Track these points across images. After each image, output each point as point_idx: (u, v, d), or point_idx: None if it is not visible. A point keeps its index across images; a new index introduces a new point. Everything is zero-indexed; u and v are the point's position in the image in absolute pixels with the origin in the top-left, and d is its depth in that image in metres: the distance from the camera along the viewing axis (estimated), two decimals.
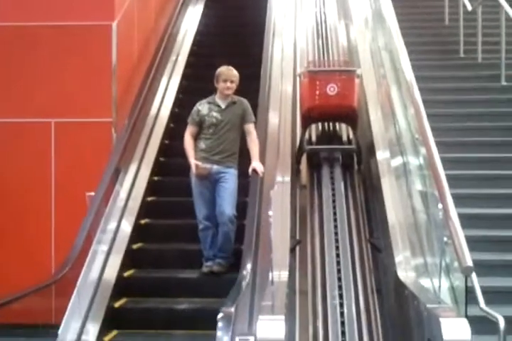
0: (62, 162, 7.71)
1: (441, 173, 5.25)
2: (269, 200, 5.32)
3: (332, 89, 6.90)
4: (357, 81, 7.13)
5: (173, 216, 7.10)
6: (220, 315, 4.10)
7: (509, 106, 8.45)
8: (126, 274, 6.40)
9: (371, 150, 7.03)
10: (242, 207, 6.16)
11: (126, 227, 6.69)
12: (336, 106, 7.02)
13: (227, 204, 6.08)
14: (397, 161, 6.71)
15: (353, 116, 7.13)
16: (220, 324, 3.93)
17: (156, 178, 7.70)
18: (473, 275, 4.65)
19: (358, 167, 7.28)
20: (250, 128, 6.31)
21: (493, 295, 4.82)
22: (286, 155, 6.92)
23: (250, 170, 6.07)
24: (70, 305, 5.62)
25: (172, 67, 9.57)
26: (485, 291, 4.79)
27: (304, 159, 7.36)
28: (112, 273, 6.14)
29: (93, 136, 7.65)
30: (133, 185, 7.14)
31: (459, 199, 5.17)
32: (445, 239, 4.85)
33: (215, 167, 6.18)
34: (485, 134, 7.98)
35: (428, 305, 4.19)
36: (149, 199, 7.40)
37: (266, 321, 3.83)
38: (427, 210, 5.77)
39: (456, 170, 6.45)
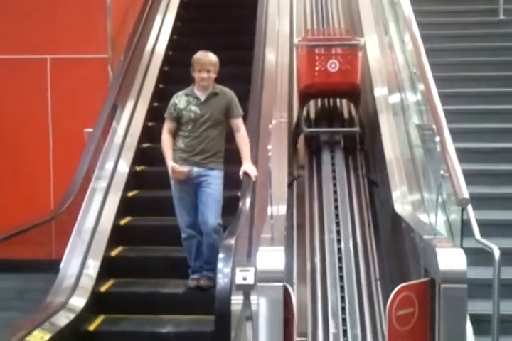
0: (59, 98, 7.77)
1: (439, 108, 5.29)
2: (268, 134, 5.40)
3: (333, 66, 6.40)
4: (360, 54, 6.56)
5: None
6: (220, 248, 4.22)
7: (506, 41, 8.33)
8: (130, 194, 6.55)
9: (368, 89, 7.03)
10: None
11: (126, 159, 6.71)
12: (337, 84, 6.51)
13: (210, 212, 5.29)
14: (395, 98, 6.72)
15: (355, 93, 6.65)
16: (220, 256, 4.00)
17: (156, 104, 7.60)
18: (469, 207, 4.70)
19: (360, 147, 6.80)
20: (238, 123, 5.48)
21: (488, 228, 4.88)
22: (284, 92, 6.91)
23: (241, 172, 5.28)
24: (71, 239, 5.76)
25: (166, 5, 9.32)
26: (481, 224, 4.84)
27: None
28: (113, 199, 6.22)
29: (89, 72, 7.69)
30: (131, 116, 7.15)
31: (455, 134, 5.22)
32: (442, 172, 4.92)
33: (196, 169, 5.35)
34: (482, 69, 7.87)
35: (424, 236, 4.27)
36: (145, 145, 7.22)
37: (265, 252, 3.90)
38: (424, 145, 5.85)
39: (453, 105, 6.43)
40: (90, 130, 6.48)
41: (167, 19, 9.05)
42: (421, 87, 6.09)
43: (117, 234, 6.08)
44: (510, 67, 7.83)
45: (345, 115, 7.04)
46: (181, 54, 7.97)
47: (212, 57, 5.39)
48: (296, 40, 6.92)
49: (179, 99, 5.45)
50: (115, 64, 7.64)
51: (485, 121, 6.93)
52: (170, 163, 5.33)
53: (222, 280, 3.90)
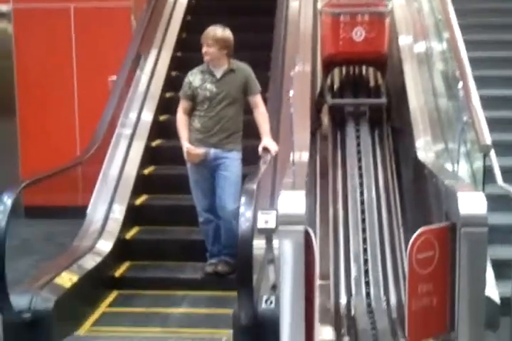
0: (83, 47, 7.74)
1: (463, 54, 5.24)
2: (290, 80, 5.36)
3: (359, 34, 6.03)
4: (388, 21, 6.21)
5: None
6: (242, 192, 4.20)
7: None
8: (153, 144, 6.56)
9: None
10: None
11: (150, 107, 6.69)
12: (362, 53, 6.17)
13: (228, 196, 5.04)
14: (420, 46, 6.63)
15: (382, 61, 6.31)
16: (243, 199, 4.01)
17: (179, 54, 7.56)
18: (492, 153, 4.68)
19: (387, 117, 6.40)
20: (256, 100, 5.18)
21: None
22: (307, 40, 6.82)
23: (260, 148, 5.01)
24: (96, 186, 5.83)
25: None
26: (504, 170, 4.84)
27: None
28: (138, 147, 6.27)
29: (113, 21, 7.66)
30: (155, 66, 7.11)
31: (480, 81, 5.16)
32: (465, 118, 4.90)
33: (213, 151, 5.08)
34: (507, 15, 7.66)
35: (446, 181, 4.29)
36: (168, 95, 7.15)
37: (287, 196, 3.93)
38: (448, 92, 5.81)
39: (478, 51, 6.35)
40: (114, 78, 6.47)
41: None
42: (446, 34, 6.03)
43: (141, 183, 6.13)
44: None
45: (372, 83, 6.67)
46: (204, 3, 7.99)
47: (218, 31, 5.07)
48: (319, 5, 6.53)
49: (194, 77, 5.18)
50: (138, 13, 7.55)
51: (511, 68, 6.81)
52: (185, 145, 5.10)
53: (244, 223, 3.90)
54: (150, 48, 7.21)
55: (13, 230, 4.14)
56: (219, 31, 5.05)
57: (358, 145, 5.96)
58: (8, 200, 4.10)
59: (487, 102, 5.08)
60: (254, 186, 4.18)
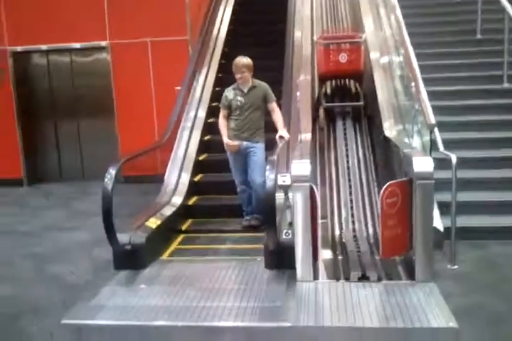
0: (157, 69, 7.68)
1: (414, 62, 5.09)
2: (297, 86, 5.29)
3: (343, 58, 6.01)
4: (363, 47, 6.15)
5: None
6: (267, 162, 4.13)
7: None
8: (205, 138, 6.43)
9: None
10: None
11: (203, 109, 6.60)
12: (346, 71, 6.13)
13: (256, 173, 4.97)
14: (384, 59, 6.48)
15: (359, 75, 6.26)
16: (267, 166, 3.95)
17: (220, 75, 7.32)
18: (436, 130, 4.58)
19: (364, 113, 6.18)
20: (273, 105, 5.07)
21: (450, 144, 4.75)
22: (308, 57, 6.66)
23: (277, 136, 4.89)
24: (170, 161, 5.78)
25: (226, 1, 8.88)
26: (444, 142, 4.75)
27: None
28: (195, 138, 6.18)
29: (176, 49, 7.56)
30: (205, 82, 6.97)
31: (426, 81, 5.03)
32: (416, 106, 4.81)
33: (245, 143, 5.02)
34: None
35: (405, 150, 4.21)
36: (213, 104, 6.81)
37: (297, 163, 3.91)
38: (405, 90, 5.69)
39: (424, 61, 6.04)
40: (179, 88, 6.43)
41: (226, 11, 8.60)
42: (402, 50, 5.88)
43: (197, 165, 5.98)
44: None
45: (353, 90, 6.52)
46: (237, 38, 7.80)
47: (244, 60, 4.97)
48: (315, 38, 6.45)
49: (229, 93, 5.10)
50: (192, 43, 7.49)
51: (447, 72, 6.62)
52: (225, 140, 5.06)
53: (269, 182, 3.82)
54: (201, 70, 7.08)
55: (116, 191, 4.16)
56: (245, 60, 4.98)
57: (345, 134, 5.85)
58: (112, 171, 4.11)
59: (432, 95, 4.96)
60: (275, 157, 4.12)
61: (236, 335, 3.16)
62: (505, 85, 6.28)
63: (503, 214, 4.71)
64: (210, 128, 6.42)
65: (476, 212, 4.69)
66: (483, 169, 5.13)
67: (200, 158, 6.15)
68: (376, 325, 3.20)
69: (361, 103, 6.05)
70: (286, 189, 3.98)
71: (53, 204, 6.97)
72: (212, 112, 6.50)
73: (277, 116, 5.06)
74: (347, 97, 6.38)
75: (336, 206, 5.07)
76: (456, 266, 4.08)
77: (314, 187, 3.87)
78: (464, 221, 4.27)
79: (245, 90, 5.04)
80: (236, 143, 5.03)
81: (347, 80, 6.62)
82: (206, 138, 6.45)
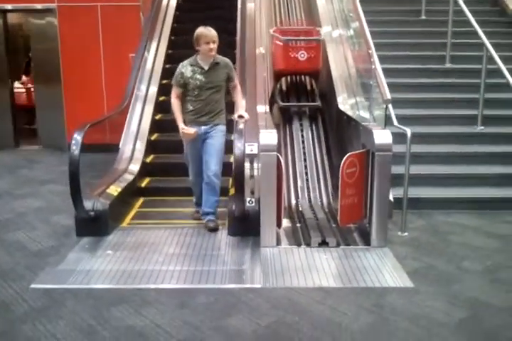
0: (108, 35, 7.50)
1: (370, 40, 5.24)
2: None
3: (302, 55, 5.82)
4: (321, 45, 5.96)
5: None
6: (235, 132, 4.18)
7: None
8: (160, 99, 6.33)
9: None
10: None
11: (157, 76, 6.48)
12: (305, 69, 5.96)
13: (212, 160, 4.41)
14: (336, 33, 6.61)
15: (317, 73, 6.09)
16: (235, 135, 4.06)
17: (170, 51, 7.12)
18: (390, 105, 4.79)
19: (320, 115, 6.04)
20: (236, 83, 4.56)
21: (404, 120, 4.92)
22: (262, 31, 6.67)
23: (236, 116, 4.39)
24: (125, 129, 5.68)
25: None
26: (398, 117, 4.97)
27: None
28: (149, 113, 6.02)
29: (126, 14, 7.37)
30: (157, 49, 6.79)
31: (382, 59, 5.21)
32: (371, 82, 5.01)
33: (203, 128, 4.41)
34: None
35: (363, 123, 4.44)
36: (167, 66, 6.72)
37: (265, 133, 4.04)
38: (358, 66, 5.88)
39: (379, 39, 6.15)
40: (133, 55, 6.33)
41: None
42: (355, 25, 6.01)
43: (154, 126, 5.99)
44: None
45: (308, 87, 6.36)
46: (188, 3, 7.71)
47: (214, 31, 4.34)
48: (271, 31, 6.13)
49: (185, 69, 4.40)
50: (144, 10, 7.33)
51: (402, 50, 6.80)
52: (180, 126, 4.39)
53: (237, 151, 3.95)
54: (153, 34, 6.90)
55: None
56: (213, 30, 4.35)
57: (301, 125, 5.86)
58: (78, 137, 4.07)
59: (388, 73, 5.15)
60: (242, 126, 4.19)
61: (208, 297, 3.31)
62: (448, 65, 6.64)
63: (448, 186, 5.07)
64: (165, 89, 6.08)
65: (423, 184, 5.01)
66: (429, 144, 5.45)
67: (157, 117, 6.06)
68: (340, 285, 3.45)
69: (318, 103, 5.92)
70: (252, 158, 4.10)
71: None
72: (166, 74, 6.28)
73: (239, 96, 4.58)
74: (303, 94, 6.24)
75: (292, 177, 5.27)
76: (406, 233, 4.39)
77: (280, 156, 4.04)
78: (412, 192, 4.56)
79: (206, 67, 4.39)
80: (193, 130, 4.38)
81: (303, 76, 6.46)
82: (161, 99, 6.34)
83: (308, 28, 6.36)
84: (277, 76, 6.13)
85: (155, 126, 6.05)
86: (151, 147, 5.81)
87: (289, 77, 6.41)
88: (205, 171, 4.46)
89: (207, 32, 4.31)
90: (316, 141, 5.70)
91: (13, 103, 8.13)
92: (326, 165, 5.46)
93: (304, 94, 6.24)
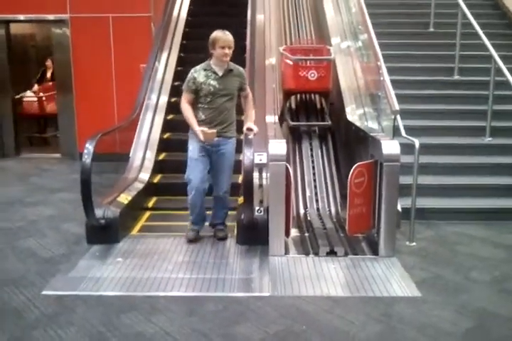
0: (119, 45, 7.60)
1: (379, 52, 5.31)
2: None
3: (312, 75, 5.71)
4: (331, 65, 5.88)
5: None
6: (244, 142, 4.16)
7: None
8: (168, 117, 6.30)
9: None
10: None
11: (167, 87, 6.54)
12: (315, 88, 5.90)
13: (224, 177, 4.32)
14: (345, 45, 6.67)
15: (327, 92, 5.99)
16: (245, 146, 4.08)
17: (182, 54, 7.23)
18: (398, 117, 4.83)
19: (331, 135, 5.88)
20: (248, 93, 4.40)
21: (412, 131, 4.89)
22: (273, 43, 6.73)
23: (245, 128, 4.24)
24: (135, 140, 5.73)
25: None
26: (406, 128, 4.98)
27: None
28: (160, 118, 6.10)
29: (138, 26, 7.46)
30: (167, 64, 6.86)
31: (390, 71, 5.26)
32: (380, 93, 5.07)
33: (216, 139, 4.16)
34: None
35: (372, 134, 4.48)
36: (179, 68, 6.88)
37: (274, 143, 4.09)
38: (366, 77, 5.94)
39: (388, 51, 6.14)
40: (144, 65, 6.41)
41: None
42: (364, 37, 6.08)
43: (162, 144, 5.93)
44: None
45: (318, 105, 6.28)
46: (197, 19, 7.79)
47: (231, 36, 4.16)
48: (281, 49, 6.03)
49: (198, 74, 4.19)
50: (156, 20, 7.40)
51: (410, 62, 6.84)
52: (198, 129, 4.12)
53: (247, 161, 3.98)
54: (163, 47, 6.96)
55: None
56: (230, 35, 4.17)
57: (310, 144, 5.78)
58: (89, 146, 4.13)
59: (396, 84, 5.21)
60: (252, 136, 4.20)
61: (217, 304, 3.34)
62: (456, 77, 6.69)
63: (455, 197, 5.09)
64: (173, 107, 6.21)
65: (431, 195, 5.03)
66: (437, 155, 5.48)
67: (165, 136, 6.09)
68: (348, 294, 3.48)
69: (328, 123, 5.82)
70: (261, 168, 4.15)
71: (11, 179, 6.86)
72: (174, 91, 6.39)
73: (250, 106, 4.43)
74: (313, 114, 6.17)
75: (301, 187, 5.30)
76: (414, 243, 4.41)
77: (288, 166, 4.09)
78: (420, 202, 4.59)
79: (220, 73, 4.20)
80: (213, 130, 4.14)
81: (313, 95, 6.38)
82: (169, 117, 6.35)
83: (319, 46, 6.31)
84: (287, 95, 6.11)
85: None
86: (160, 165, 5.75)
87: (298, 95, 6.36)
88: (215, 188, 4.38)
89: (224, 36, 4.12)
90: (325, 158, 5.67)
91: (15, 112, 8.16)
92: (334, 175, 5.49)
93: (313, 113, 6.19)
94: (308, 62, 5.84)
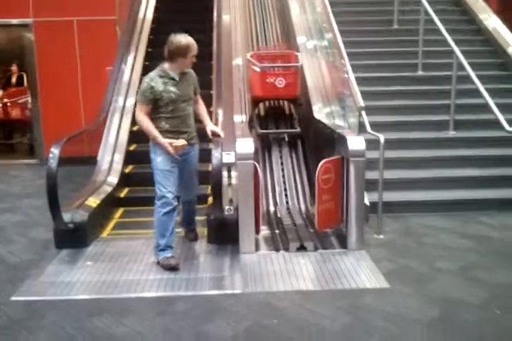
0: (84, 49, 7.55)
1: (343, 50, 5.41)
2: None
3: (280, 82, 5.60)
4: (299, 72, 5.80)
5: None
6: (212, 142, 4.18)
7: None
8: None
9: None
10: None
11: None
12: (283, 95, 5.81)
13: (194, 184, 4.22)
14: (310, 44, 6.73)
15: (295, 98, 5.91)
16: (213, 145, 4.12)
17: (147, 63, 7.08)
18: (364, 113, 4.91)
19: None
20: (199, 96, 4.19)
21: (377, 127, 4.96)
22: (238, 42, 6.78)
23: (209, 132, 4.13)
24: (102, 141, 5.71)
25: None
26: (372, 124, 5.00)
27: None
28: (126, 125, 6.01)
29: (103, 29, 7.43)
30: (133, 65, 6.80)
31: (355, 68, 5.35)
32: (345, 91, 5.15)
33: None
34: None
35: (338, 130, 4.55)
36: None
37: (241, 141, 4.12)
38: (332, 75, 6.01)
39: (352, 48, 6.24)
40: (110, 68, 6.38)
41: None
42: (328, 35, 6.16)
43: (132, 137, 5.91)
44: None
45: (287, 111, 6.23)
46: (164, 16, 7.77)
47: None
48: (248, 56, 5.90)
49: (155, 82, 3.83)
50: (121, 23, 7.37)
51: (375, 59, 6.92)
52: (165, 141, 3.84)
53: (215, 160, 4.01)
54: (130, 47, 6.94)
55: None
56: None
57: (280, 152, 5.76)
58: (55, 150, 4.10)
59: (361, 81, 5.29)
60: (220, 139, 4.22)
61: (189, 303, 3.36)
62: (420, 73, 6.82)
63: (421, 190, 5.19)
64: None
65: (397, 188, 5.12)
66: (402, 149, 5.58)
67: (135, 128, 5.87)
68: (318, 288, 3.54)
69: (297, 130, 5.73)
70: (230, 167, 4.18)
71: None
72: None
73: (203, 109, 4.26)
74: (282, 120, 6.09)
75: (270, 184, 5.34)
76: (382, 236, 4.49)
77: (256, 164, 4.13)
78: (387, 196, 4.67)
79: (177, 78, 3.89)
80: (182, 141, 3.88)
81: (281, 101, 6.28)
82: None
83: (286, 52, 6.24)
84: (255, 102, 6.02)
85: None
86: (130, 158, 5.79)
87: (267, 102, 6.27)
88: (187, 194, 4.24)
89: (194, 44, 3.87)
90: (295, 161, 5.68)
91: None
92: (303, 173, 5.54)
93: (282, 120, 6.12)
94: (275, 69, 5.80)
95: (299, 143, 5.85)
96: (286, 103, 6.31)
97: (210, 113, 4.58)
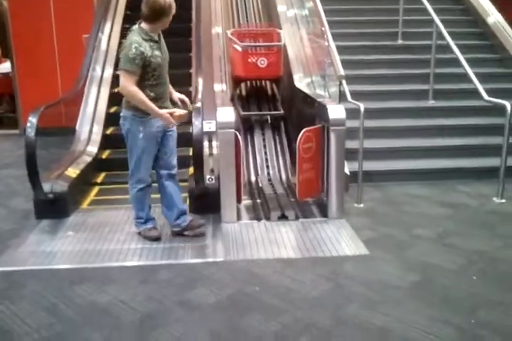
0: (60, 16, 7.30)
1: (324, 18, 5.32)
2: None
3: (262, 62, 5.42)
4: (282, 50, 5.60)
5: None
6: (193, 110, 4.01)
7: None
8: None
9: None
10: None
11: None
12: (265, 76, 5.66)
13: (175, 156, 3.80)
14: (291, 13, 6.62)
15: (278, 78, 5.74)
16: (193, 114, 4.01)
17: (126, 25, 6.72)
18: (344, 81, 4.85)
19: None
20: None
21: (358, 96, 4.96)
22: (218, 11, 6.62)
23: (176, 99, 3.77)
24: (81, 111, 5.57)
25: None
26: (352, 93, 5.02)
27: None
28: (105, 91, 5.93)
29: None
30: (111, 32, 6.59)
31: (336, 37, 5.26)
32: (326, 59, 5.08)
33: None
34: None
35: (318, 99, 4.50)
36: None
37: (222, 110, 4.06)
38: (312, 45, 5.91)
39: (333, 17, 6.13)
40: (87, 35, 6.19)
41: None
42: (309, 4, 6.04)
43: (109, 118, 5.65)
44: None
45: (270, 92, 6.05)
46: None
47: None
48: (229, 33, 5.70)
49: (144, 47, 3.45)
50: None
51: (355, 28, 6.86)
52: (163, 111, 3.55)
53: (196, 130, 3.92)
54: (108, 12, 6.74)
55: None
56: None
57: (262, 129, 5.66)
58: (33, 119, 4.00)
59: (342, 50, 5.22)
60: (199, 104, 4.19)
61: (171, 272, 3.35)
62: (399, 42, 6.76)
63: (401, 159, 5.20)
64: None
65: (377, 158, 5.13)
66: (382, 119, 5.57)
67: (112, 110, 5.81)
68: (299, 256, 3.55)
69: (281, 112, 5.60)
70: (210, 136, 4.12)
71: None
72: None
73: None
74: (264, 102, 5.91)
75: (251, 154, 5.31)
76: (362, 205, 4.51)
77: (237, 133, 4.07)
78: (367, 165, 4.68)
79: (157, 39, 3.57)
80: (182, 110, 3.64)
81: (263, 81, 6.13)
82: (116, 89, 6.07)
83: (268, 30, 6.06)
84: (236, 82, 5.84)
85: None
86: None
87: (248, 82, 6.10)
88: (167, 167, 3.76)
89: (169, 3, 3.49)
90: (277, 138, 5.58)
91: None
92: (284, 144, 5.51)
93: (265, 101, 5.93)
94: (257, 48, 5.61)
95: (281, 125, 5.71)
96: (268, 83, 6.13)
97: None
